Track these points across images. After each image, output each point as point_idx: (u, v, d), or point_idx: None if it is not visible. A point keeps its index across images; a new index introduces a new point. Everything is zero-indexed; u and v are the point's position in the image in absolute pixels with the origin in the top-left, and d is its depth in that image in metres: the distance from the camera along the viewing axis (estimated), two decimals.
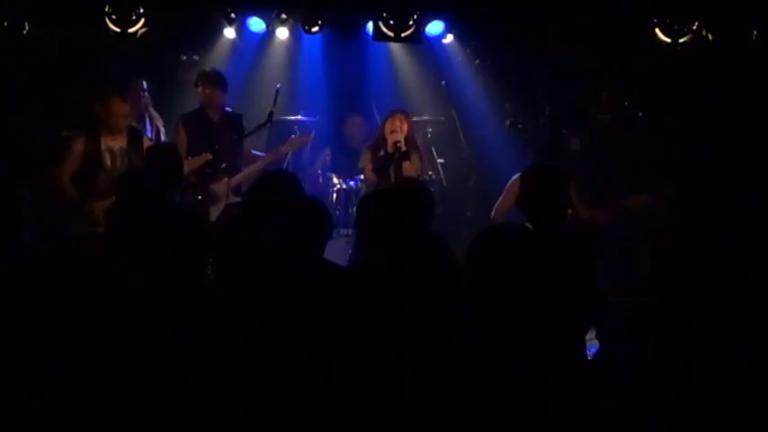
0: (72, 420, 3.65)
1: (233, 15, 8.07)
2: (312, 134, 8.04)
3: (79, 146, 6.75)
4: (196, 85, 7.51)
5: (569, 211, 6.68)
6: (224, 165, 7.25)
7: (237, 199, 7.12)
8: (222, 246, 5.17)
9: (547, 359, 3.89)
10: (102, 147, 6.78)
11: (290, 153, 8.04)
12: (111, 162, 6.77)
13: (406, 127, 7.63)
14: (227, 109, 7.57)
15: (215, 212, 7.10)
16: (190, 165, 6.96)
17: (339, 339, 3.80)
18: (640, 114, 8.32)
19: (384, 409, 3.71)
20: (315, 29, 8.05)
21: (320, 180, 8.13)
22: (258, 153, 7.63)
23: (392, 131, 7.57)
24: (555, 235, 4.40)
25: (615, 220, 6.93)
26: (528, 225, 4.62)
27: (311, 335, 3.80)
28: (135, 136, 6.94)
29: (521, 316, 3.84)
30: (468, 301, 3.88)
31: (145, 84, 7.71)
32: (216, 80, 7.44)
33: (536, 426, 3.76)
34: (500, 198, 6.89)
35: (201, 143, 7.26)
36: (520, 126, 8.22)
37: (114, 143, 6.81)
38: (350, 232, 7.36)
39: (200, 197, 7.09)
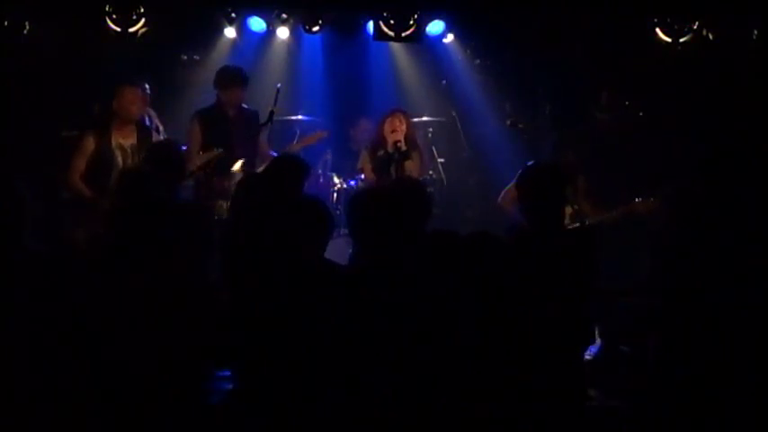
0: (72, 421, 3.65)
1: (233, 15, 8.07)
2: (326, 131, 8.02)
3: (90, 144, 6.70)
4: (217, 87, 7.41)
5: (575, 208, 6.70)
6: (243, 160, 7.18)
7: None
8: (223, 245, 5.18)
9: (547, 359, 3.90)
10: (113, 144, 6.73)
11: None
12: (123, 159, 6.73)
13: (405, 126, 7.64)
14: (243, 105, 7.56)
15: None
16: (201, 159, 6.93)
17: (339, 339, 3.80)
18: (640, 114, 8.33)
19: (384, 409, 3.71)
20: (315, 28, 8.06)
21: (321, 180, 8.13)
22: (274, 154, 7.58)
23: (392, 131, 7.58)
24: (553, 234, 4.40)
25: (619, 222, 6.94)
26: (525, 224, 4.62)
27: (311, 334, 3.80)
28: (144, 133, 6.90)
29: (521, 316, 3.85)
30: (468, 301, 3.88)
31: (147, 86, 7.70)
32: (234, 82, 7.36)
33: (536, 426, 3.76)
34: (510, 184, 6.78)
35: (217, 139, 7.22)
36: (520, 126, 8.22)
37: (125, 141, 6.78)
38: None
39: (215, 195, 7.03)
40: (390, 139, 7.55)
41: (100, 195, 6.50)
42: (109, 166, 6.64)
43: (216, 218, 6.67)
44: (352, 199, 4.43)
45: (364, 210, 4.18)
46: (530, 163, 4.91)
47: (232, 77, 7.37)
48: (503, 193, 6.80)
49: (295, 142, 7.80)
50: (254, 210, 5.25)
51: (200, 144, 7.20)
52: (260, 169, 7.13)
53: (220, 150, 7.01)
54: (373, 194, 4.45)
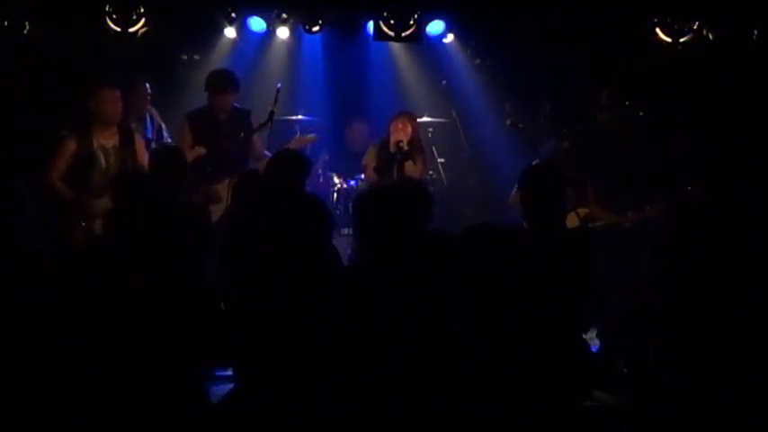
0: (72, 420, 3.65)
1: (233, 15, 8.06)
2: (315, 135, 8.03)
3: (71, 145, 6.79)
4: (208, 91, 7.45)
5: (588, 212, 6.72)
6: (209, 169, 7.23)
7: None
8: (223, 246, 5.18)
9: (547, 359, 3.90)
10: (95, 145, 6.82)
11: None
12: (105, 160, 6.82)
13: (409, 129, 7.68)
14: (235, 105, 7.56)
15: (217, 213, 7.06)
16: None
17: (339, 339, 3.80)
18: (640, 114, 8.33)
19: (384, 408, 3.71)
20: (315, 28, 8.05)
21: (321, 180, 8.13)
22: (268, 154, 7.58)
23: (395, 132, 7.61)
24: (553, 234, 4.40)
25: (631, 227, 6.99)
26: (525, 225, 4.63)
27: (311, 334, 3.80)
28: (127, 134, 6.97)
29: (521, 316, 3.85)
30: (468, 301, 3.88)
31: (148, 85, 7.70)
32: (223, 88, 7.40)
33: (536, 426, 3.76)
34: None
35: (206, 141, 7.26)
36: (520, 126, 8.22)
37: (107, 141, 6.85)
38: (350, 232, 7.36)
39: (201, 199, 7.06)
40: (393, 139, 7.59)
41: (82, 195, 6.66)
42: (91, 167, 6.79)
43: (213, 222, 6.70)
44: (356, 199, 4.44)
45: (366, 209, 4.19)
46: (532, 163, 4.94)
47: (223, 84, 7.41)
48: (512, 193, 6.85)
49: (290, 144, 7.77)
50: (255, 207, 5.25)
51: (190, 145, 7.24)
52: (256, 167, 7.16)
53: (201, 149, 7.08)
54: (376, 194, 4.46)
